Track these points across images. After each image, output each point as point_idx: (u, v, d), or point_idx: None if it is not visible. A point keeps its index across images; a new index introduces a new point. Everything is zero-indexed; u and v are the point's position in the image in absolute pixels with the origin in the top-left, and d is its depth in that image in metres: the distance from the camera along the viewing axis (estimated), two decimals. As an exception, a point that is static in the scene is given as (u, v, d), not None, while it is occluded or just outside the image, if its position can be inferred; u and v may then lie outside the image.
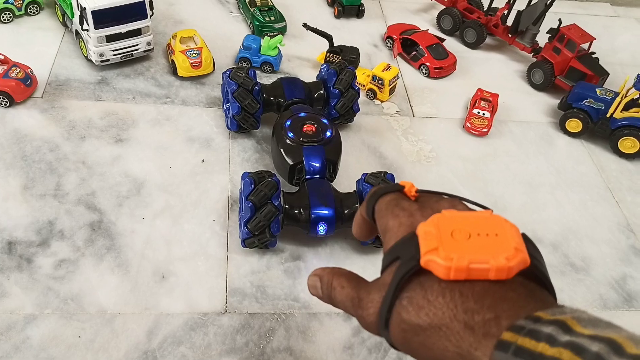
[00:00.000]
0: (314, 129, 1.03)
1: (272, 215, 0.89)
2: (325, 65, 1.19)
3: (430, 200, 0.38)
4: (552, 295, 0.33)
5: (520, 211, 1.13)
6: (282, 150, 1.01)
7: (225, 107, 1.17)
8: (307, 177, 0.99)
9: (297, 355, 0.85)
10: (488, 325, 0.29)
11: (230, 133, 1.16)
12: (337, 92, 1.14)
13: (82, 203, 0.99)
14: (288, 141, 1.01)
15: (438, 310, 0.30)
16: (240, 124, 1.11)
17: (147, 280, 0.90)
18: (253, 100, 1.09)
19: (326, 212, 0.93)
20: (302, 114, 1.05)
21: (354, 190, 0.98)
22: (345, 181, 1.08)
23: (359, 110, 1.19)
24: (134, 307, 0.87)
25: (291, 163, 1.00)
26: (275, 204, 0.90)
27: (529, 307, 0.30)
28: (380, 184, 0.43)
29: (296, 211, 0.93)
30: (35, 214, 0.96)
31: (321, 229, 0.93)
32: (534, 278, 0.32)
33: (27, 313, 0.84)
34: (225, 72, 1.12)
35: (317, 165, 0.99)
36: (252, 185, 0.90)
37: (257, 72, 1.31)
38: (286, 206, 0.93)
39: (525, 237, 0.33)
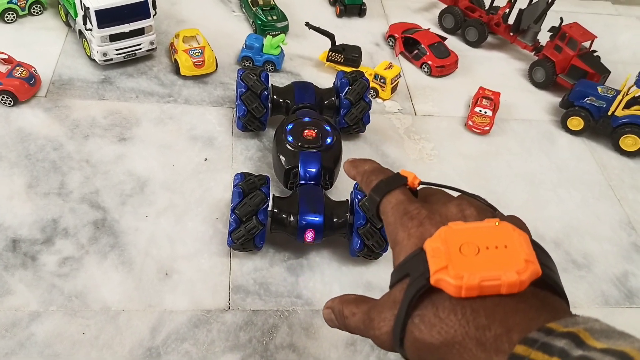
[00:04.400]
0: (314, 135, 1.02)
1: (255, 230, 0.89)
2: (340, 72, 1.19)
3: (438, 203, 0.37)
4: (565, 301, 0.32)
5: (522, 209, 1.13)
6: (279, 153, 1.02)
7: (236, 105, 1.16)
8: (301, 182, 0.99)
9: (300, 352, 0.85)
10: (500, 341, 0.29)
11: (234, 131, 1.17)
12: (347, 102, 1.13)
13: (86, 201, 1.00)
14: (287, 145, 1.01)
15: (450, 328, 0.30)
16: (246, 125, 1.12)
17: (151, 278, 0.91)
18: (260, 104, 1.09)
19: (315, 219, 0.92)
20: (305, 119, 1.05)
21: (347, 200, 0.98)
22: (346, 181, 1.08)
23: (369, 121, 1.17)
24: (138, 304, 0.87)
25: (287, 167, 1.00)
26: (261, 218, 0.89)
27: (541, 319, 0.29)
28: (382, 181, 0.42)
29: (284, 216, 0.93)
30: (39, 212, 0.97)
31: (309, 236, 0.92)
32: (545, 286, 0.32)
33: (32, 310, 0.84)
34: (239, 71, 1.13)
35: (312, 171, 0.99)
36: (240, 197, 0.90)
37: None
38: (275, 210, 0.93)
39: (535, 244, 0.33)
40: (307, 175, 0.99)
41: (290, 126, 1.04)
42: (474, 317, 0.30)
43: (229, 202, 1.03)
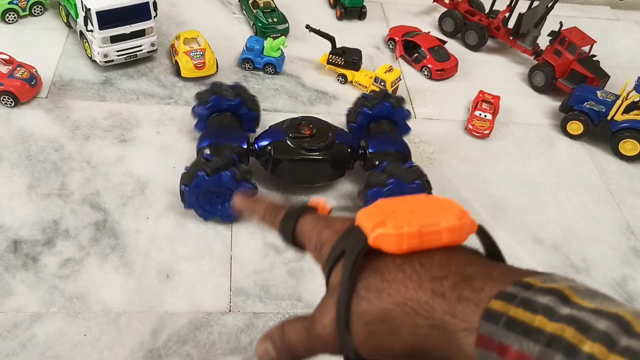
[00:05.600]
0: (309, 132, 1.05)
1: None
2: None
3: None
4: None
5: (522, 212, 1.13)
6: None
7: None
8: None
9: (300, 355, 0.85)
10: (460, 288, 0.26)
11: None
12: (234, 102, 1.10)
13: (86, 202, 1.00)
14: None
15: (400, 285, 0.27)
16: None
17: (152, 280, 0.91)
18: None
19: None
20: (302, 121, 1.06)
21: None
22: (348, 182, 1.08)
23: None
24: (139, 306, 0.87)
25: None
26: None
27: (503, 273, 0.26)
28: (292, 208, 0.40)
29: None
30: (40, 213, 0.97)
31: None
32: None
33: (33, 311, 0.84)
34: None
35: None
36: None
37: (260, 72, 1.33)
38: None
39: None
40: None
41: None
42: (425, 270, 0.27)
43: (230, 204, 1.04)
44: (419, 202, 0.31)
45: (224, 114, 1.09)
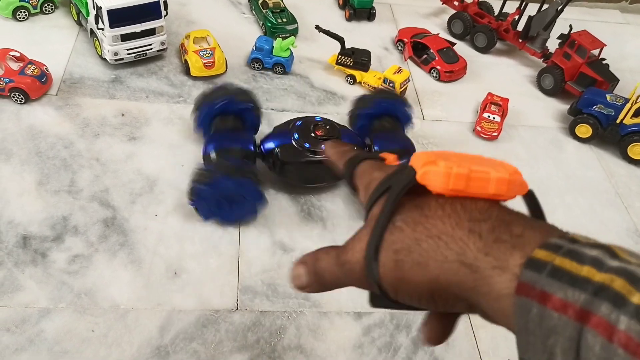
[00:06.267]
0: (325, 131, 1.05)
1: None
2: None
3: None
4: None
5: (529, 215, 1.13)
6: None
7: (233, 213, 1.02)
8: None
9: (307, 354, 0.85)
10: (499, 232, 0.25)
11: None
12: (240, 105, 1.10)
13: (95, 199, 1.00)
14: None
15: (438, 221, 0.27)
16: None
17: (160, 277, 0.91)
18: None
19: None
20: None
21: None
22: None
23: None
24: (147, 302, 0.88)
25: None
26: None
27: (546, 229, 0.26)
28: (359, 153, 0.39)
29: None
30: (49, 209, 0.97)
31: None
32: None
33: (42, 307, 0.85)
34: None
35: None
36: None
37: (269, 72, 1.33)
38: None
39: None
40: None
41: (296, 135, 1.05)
42: (465, 211, 0.27)
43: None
44: (475, 156, 0.30)
45: (228, 116, 1.08)
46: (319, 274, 0.32)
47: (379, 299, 0.30)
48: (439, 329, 0.32)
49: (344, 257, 0.30)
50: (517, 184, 0.28)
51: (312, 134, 1.04)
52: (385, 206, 0.29)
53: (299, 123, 1.05)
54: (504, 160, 0.30)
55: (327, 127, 1.05)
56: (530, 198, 0.30)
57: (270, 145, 1.05)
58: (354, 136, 1.10)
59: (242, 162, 0.99)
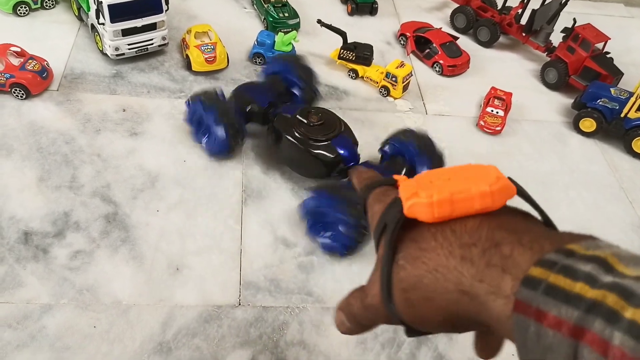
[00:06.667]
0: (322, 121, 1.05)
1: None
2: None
3: None
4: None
5: (532, 210, 1.12)
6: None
7: (204, 139, 1.09)
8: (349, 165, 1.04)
9: (310, 349, 0.85)
10: (489, 255, 0.26)
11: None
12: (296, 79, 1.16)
13: (97, 195, 1.00)
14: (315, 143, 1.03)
15: (433, 253, 0.28)
16: (231, 143, 1.07)
17: (162, 273, 0.91)
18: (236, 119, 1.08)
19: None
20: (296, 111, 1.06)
21: None
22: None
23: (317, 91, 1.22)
24: (149, 298, 0.87)
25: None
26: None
27: (539, 238, 0.26)
28: (373, 181, 0.40)
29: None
30: (50, 205, 0.97)
31: None
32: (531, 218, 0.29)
33: (43, 303, 0.84)
34: (193, 101, 1.08)
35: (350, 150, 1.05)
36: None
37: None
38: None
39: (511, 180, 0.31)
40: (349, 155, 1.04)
41: (298, 132, 1.04)
42: (456, 237, 0.27)
43: (240, 198, 1.04)
44: (458, 171, 0.31)
45: (277, 76, 1.16)
46: (356, 317, 0.34)
47: (412, 330, 0.31)
48: (487, 344, 0.34)
49: (367, 302, 0.32)
50: (502, 192, 0.29)
51: (305, 120, 1.03)
52: (385, 249, 0.30)
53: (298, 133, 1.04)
54: (502, 160, 0.30)
55: (320, 114, 1.05)
56: (522, 196, 0.30)
57: (277, 111, 1.09)
58: (348, 144, 1.07)
59: (237, 116, 1.08)
